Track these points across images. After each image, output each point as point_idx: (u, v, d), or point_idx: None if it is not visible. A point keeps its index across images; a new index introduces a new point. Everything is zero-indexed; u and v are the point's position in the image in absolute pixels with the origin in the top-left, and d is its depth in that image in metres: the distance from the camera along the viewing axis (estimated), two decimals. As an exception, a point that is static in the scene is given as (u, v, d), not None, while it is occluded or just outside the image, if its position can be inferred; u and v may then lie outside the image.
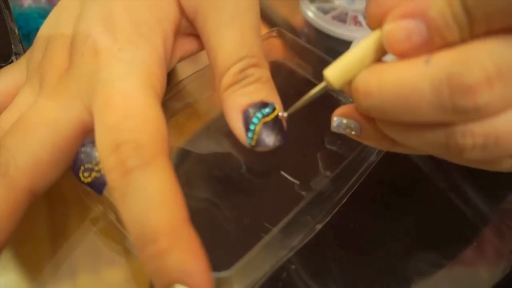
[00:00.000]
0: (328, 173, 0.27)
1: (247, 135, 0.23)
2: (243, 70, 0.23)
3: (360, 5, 0.44)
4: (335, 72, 0.19)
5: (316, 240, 0.25)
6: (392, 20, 0.17)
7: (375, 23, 0.18)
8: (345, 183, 0.26)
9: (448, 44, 0.16)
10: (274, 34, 0.32)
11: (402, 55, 0.17)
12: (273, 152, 0.24)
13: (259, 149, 0.23)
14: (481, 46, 0.15)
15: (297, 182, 0.26)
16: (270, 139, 0.23)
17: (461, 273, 0.26)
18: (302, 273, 0.25)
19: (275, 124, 0.23)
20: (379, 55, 0.18)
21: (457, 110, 0.16)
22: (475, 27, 0.15)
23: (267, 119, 0.23)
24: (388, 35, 0.17)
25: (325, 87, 0.20)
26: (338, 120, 0.22)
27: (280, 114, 0.23)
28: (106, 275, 0.24)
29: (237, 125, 0.23)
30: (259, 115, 0.23)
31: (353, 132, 0.22)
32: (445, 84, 0.15)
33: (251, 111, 0.23)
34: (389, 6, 0.17)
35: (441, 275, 0.25)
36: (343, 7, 0.44)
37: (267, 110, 0.23)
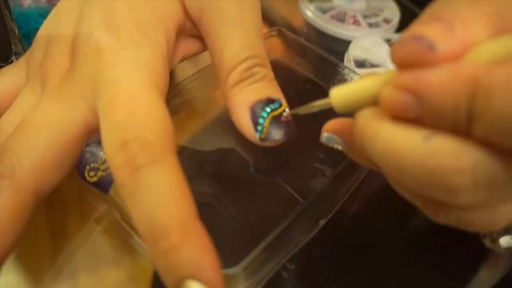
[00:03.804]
0: (328, 173, 0.27)
1: (256, 130, 0.23)
2: (249, 68, 0.24)
3: (358, 5, 0.44)
4: (340, 95, 0.19)
5: (316, 240, 0.25)
6: (393, 86, 0.16)
7: (397, 65, 0.16)
8: (345, 182, 0.26)
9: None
10: (274, 33, 0.32)
11: (393, 117, 0.16)
12: (276, 150, 0.24)
13: (267, 143, 0.24)
14: (482, 151, 0.14)
15: (293, 192, 0.26)
16: (278, 133, 0.23)
17: (461, 273, 0.26)
18: (302, 273, 0.25)
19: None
20: None
21: (434, 198, 0.16)
22: (472, 132, 0.14)
23: (275, 113, 0.23)
24: (384, 99, 0.16)
25: (329, 104, 0.20)
26: (328, 135, 0.22)
27: (286, 110, 0.24)
28: (108, 275, 0.24)
29: (244, 120, 0.23)
30: (267, 109, 0.23)
31: (341, 148, 0.22)
32: (431, 172, 0.15)
33: (258, 107, 0.23)
34: (414, 59, 0.15)
35: (440, 275, 0.25)
36: (341, 7, 0.44)
37: (275, 105, 0.24)
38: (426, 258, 0.26)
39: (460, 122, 0.14)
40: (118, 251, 0.25)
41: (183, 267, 0.17)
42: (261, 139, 0.23)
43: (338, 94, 0.19)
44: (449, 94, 0.14)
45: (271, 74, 0.25)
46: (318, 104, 0.21)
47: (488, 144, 0.14)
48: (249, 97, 0.23)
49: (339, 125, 0.22)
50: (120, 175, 0.19)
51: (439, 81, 0.15)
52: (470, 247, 0.27)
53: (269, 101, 0.23)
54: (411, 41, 0.15)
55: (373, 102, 0.17)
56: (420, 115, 0.15)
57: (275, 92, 0.24)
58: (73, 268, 0.24)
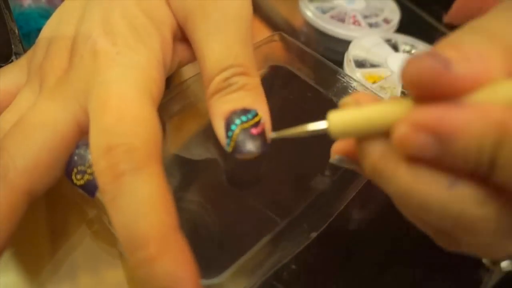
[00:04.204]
0: (328, 173, 0.27)
1: (226, 142, 0.23)
2: (227, 79, 0.23)
3: (359, 5, 0.44)
4: (339, 121, 0.17)
5: (316, 241, 0.25)
6: (410, 124, 0.15)
7: (408, 84, 0.15)
8: (344, 188, 0.26)
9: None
10: (275, 38, 0.32)
11: (408, 158, 0.15)
12: (269, 158, 0.24)
13: (238, 155, 0.23)
14: (505, 198, 0.14)
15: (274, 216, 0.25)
16: (248, 146, 0.23)
17: (461, 273, 0.26)
18: (302, 273, 0.25)
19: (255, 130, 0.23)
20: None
21: (454, 238, 0.16)
22: (492, 178, 0.14)
23: (246, 125, 0.23)
24: (399, 137, 0.15)
25: (324, 130, 0.18)
26: (339, 157, 0.21)
27: (261, 120, 0.23)
28: (106, 275, 0.24)
29: (219, 131, 0.23)
30: (238, 121, 0.23)
31: (353, 168, 0.21)
32: (456, 217, 0.15)
33: (233, 117, 0.23)
34: (428, 78, 0.14)
35: (441, 275, 0.26)
36: (341, 7, 0.44)
37: (247, 116, 0.23)
38: (427, 258, 0.26)
39: (481, 167, 0.14)
40: (115, 251, 0.25)
41: (160, 279, 0.17)
42: (230, 152, 0.23)
43: (337, 120, 0.17)
44: (474, 138, 0.14)
45: (253, 83, 0.24)
46: (312, 129, 0.19)
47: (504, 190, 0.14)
48: (224, 108, 0.23)
49: (348, 146, 0.20)
50: (103, 180, 0.19)
51: (463, 122, 0.14)
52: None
53: (244, 111, 0.23)
54: (426, 57, 0.14)
55: (379, 133, 0.16)
56: (438, 156, 0.15)
57: (254, 102, 0.23)
58: (73, 268, 0.24)
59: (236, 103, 0.23)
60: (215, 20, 0.24)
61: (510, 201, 0.14)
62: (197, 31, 0.24)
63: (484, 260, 0.22)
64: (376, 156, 0.17)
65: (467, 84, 0.14)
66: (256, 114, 0.23)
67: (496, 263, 0.21)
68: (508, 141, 0.13)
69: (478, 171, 0.14)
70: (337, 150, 0.21)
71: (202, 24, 0.24)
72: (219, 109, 0.23)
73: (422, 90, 0.15)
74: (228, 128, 0.23)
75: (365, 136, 0.17)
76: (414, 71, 0.14)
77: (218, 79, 0.23)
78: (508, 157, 0.13)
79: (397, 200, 0.17)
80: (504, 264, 0.21)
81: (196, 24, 0.24)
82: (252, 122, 0.23)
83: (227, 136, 0.23)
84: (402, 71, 0.15)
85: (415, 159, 0.15)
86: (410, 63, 0.15)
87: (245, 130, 0.23)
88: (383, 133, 0.16)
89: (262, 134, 0.23)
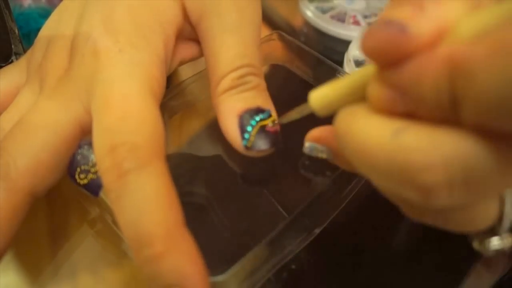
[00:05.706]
0: (329, 173, 0.27)
1: (242, 137, 0.23)
2: (242, 76, 0.23)
3: (358, 5, 0.44)
4: (319, 98, 0.18)
5: (317, 240, 0.25)
6: (378, 83, 0.14)
7: (370, 56, 0.14)
8: (346, 185, 0.26)
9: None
10: (274, 37, 0.32)
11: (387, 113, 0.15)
12: (272, 157, 0.24)
13: (253, 152, 0.23)
14: (457, 140, 0.13)
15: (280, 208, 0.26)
16: (265, 143, 0.23)
17: (461, 273, 0.26)
18: (302, 273, 0.25)
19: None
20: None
21: (405, 198, 0.15)
22: (462, 118, 0.13)
23: (264, 123, 0.23)
24: (371, 97, 0.15)
25: (309, 108, 0.18)
26: (310, 145, 0.21)
27: (276, 121, 0.24)
28: (106, 275, 0.24)
29: (232, 128, 0.23)
30: (257, 118, 0.23)
31: (326, 156, 0.21)
32: (400, 170, 0.13)
33: (247, 115, 0.23)
34: (387, 46, 0.13)
35: (441, 275, 0.26)
36: (342, 7, 0.44)
37: (264, 115, 0.23)
38: (428, 258, 0.26)
39: (445, 109, 0.13)
40: (113, 253, 0.25)
41: (168, 276, 0.17)
42: (247, 148, 0.23)
43: (317, 97, 0.18)
44: (428, 82, 0.13)
45: (263, 84, 0.24)
46: (298, 110, 0.20)
47: (482, 131, 0.13)
48: (239, 105, 0.23)
49: (321, 132, 0.21)
50: (108, 179, 0.19)
51: (416, 69, 0.13)
52: (470, 248, 0.27)
53: (259, 110, 0.23)
54: (381, 27, 0.13)
55: (357, 100, 0.16)
56: (409, 108, 0.14)
57: (266, 102, 0.24)
58: (73, 268, 0.24)
59: (251, 101, 0.23)
60: (232, 20, 0.24)
61: (473, 145, 0.13)
62: (213, 28, 0.24)
63: (474, 244, 0.21)
64: (340, 115, 0.16)
65: (427, 39, 0.13)
66: (270, 115, 0.24)
67: (482, 242, 0.20)
68: (461, 74, 0.12)
69: (447, 117, 0.13)
70: (307, 139, 0.21)
71: (219, 22, 0.24)
72: (232, 106, 0.23)
73: (385, 59, 0.14)
74: (243, 125, 0.23)
75: (345, 105, 0.17)
76: (372, 43, 0.14)
77: (232, 76, 0.23)
78: (466, 91, 0.12)
79: (352, 160, 0.16)
80: (491, 244, 0.20)
81: (213, 22, 0.24)
82: (269, 121, 0.23)
83: (245, 132, 0.23)
84: (361, 45, 0.14)
85: (390, 114, 0.15)
86: (367, 36, 0.14)
87: (263, 128, 0.23)
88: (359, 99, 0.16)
89: (277, 132, 0.24)
